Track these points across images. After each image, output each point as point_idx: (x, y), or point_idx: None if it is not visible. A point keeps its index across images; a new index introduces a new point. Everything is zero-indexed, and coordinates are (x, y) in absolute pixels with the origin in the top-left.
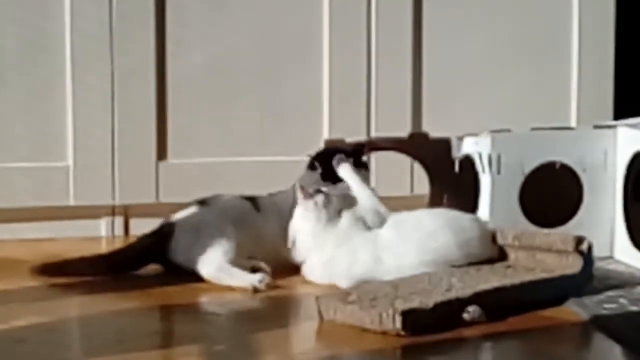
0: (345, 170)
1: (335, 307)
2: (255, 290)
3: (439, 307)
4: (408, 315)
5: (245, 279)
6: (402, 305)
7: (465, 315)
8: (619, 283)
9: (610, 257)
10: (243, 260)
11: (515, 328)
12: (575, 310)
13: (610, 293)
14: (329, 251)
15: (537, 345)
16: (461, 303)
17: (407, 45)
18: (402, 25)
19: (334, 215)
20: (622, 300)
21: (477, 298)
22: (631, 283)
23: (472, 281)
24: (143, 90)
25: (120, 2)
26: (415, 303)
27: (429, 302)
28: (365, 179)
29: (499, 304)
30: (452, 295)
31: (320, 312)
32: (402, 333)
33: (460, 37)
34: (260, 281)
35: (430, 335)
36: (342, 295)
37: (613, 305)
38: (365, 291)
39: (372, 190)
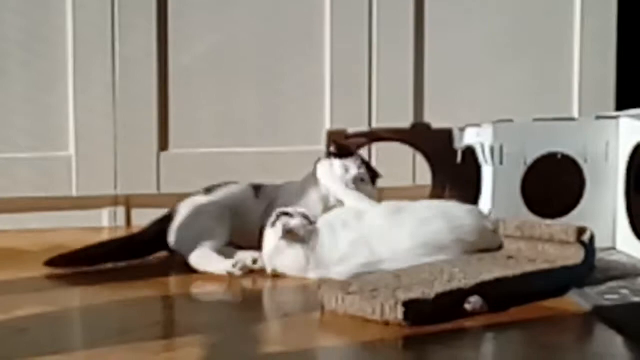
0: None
1: (337, 297)
2: (231, 275)
3: (441, 297)
4: (410, 306)
5: (220, 266)
6: (403, 296)
7: (467, 306)
8: (621, 274)
9: (612, 248)
10: (234, 248)
11: (517, 319)
12: (577, 300)
13: (612, 284)
14: (321, 251)
15: (538, 336)
16: (463, 293)
17: (409, 35)
18: (404, 15)
19: (314, 231)
20: (623, 291)
21: (479, 288)
22: (633, 274)
23: (474, 272)
24: (145, 80)
25: None
26: (417, 293)
27: (431, 293)
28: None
29: (501, 294)
30: (454, 285)
31: (322, 303)
32: (404, 323)
33: (462, 28)
34: (234, 265)
35: (432, 325)
36: (344, 286)
37: (615, 296)
38: (366, 282)
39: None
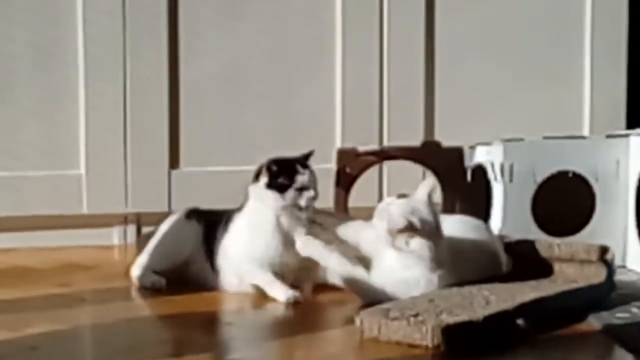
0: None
1: (380, 323)
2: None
3: (489, 320)
4: (461, 329)
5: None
6: (451, 320)
7: (520, 321)
8: (632, 292)
9: (623, 266)
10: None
11: (529, 337)
12: (588, 319)
13: (623, 302)
14: None
15: (550, 354)
16: (509, 315)
17: (420, 54)
18: (415, 34)
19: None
20: (634, 310)
21: (522, 309)
22: None
23: (505, 294)
24: (155, 98)
25: (133, 10)
26: (464, 317)
27: (478, 316)
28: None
29: (542, 314)
30: (496, 308)
31: (362, 329)
32: (450, 347)
33: (473, 46)
34: (153, 284)
35: (479, 348)
36: (384, 312)
37: (625, 315)
38: (403, 307)
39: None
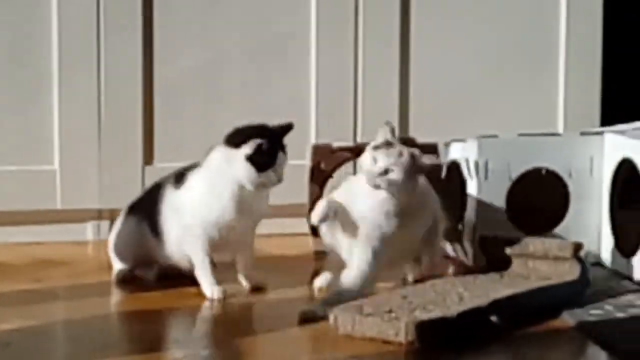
0: None
1: (354, 320)
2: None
3: (463, 316)
4: (435, 325)
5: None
6: (425, 316)
7: (494, 318)
8: (606, 289)
9: (597, 264)
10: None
11: (503, 333)
12: (562, 316)
13: (597, 299)
14: None
15: (524, 350)
16: (482, 312)
17: (395, 50)
18: (390, 31)
19: None
20: (608, 307)
21: (496, 306)
22: (617, 289)
23: (479, 290)
24: (130, 94)
25: (108, 5)
26: (437, 313)
27: (452, 312)
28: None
29: (515, 311)
30: (469, 304)
31: (336, 325)
32: (423, 344)
33: (448, 43)
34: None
35: (451, 345)
36: (358, 308)
37: (599, 312)
38: (377, 303)
39: None
